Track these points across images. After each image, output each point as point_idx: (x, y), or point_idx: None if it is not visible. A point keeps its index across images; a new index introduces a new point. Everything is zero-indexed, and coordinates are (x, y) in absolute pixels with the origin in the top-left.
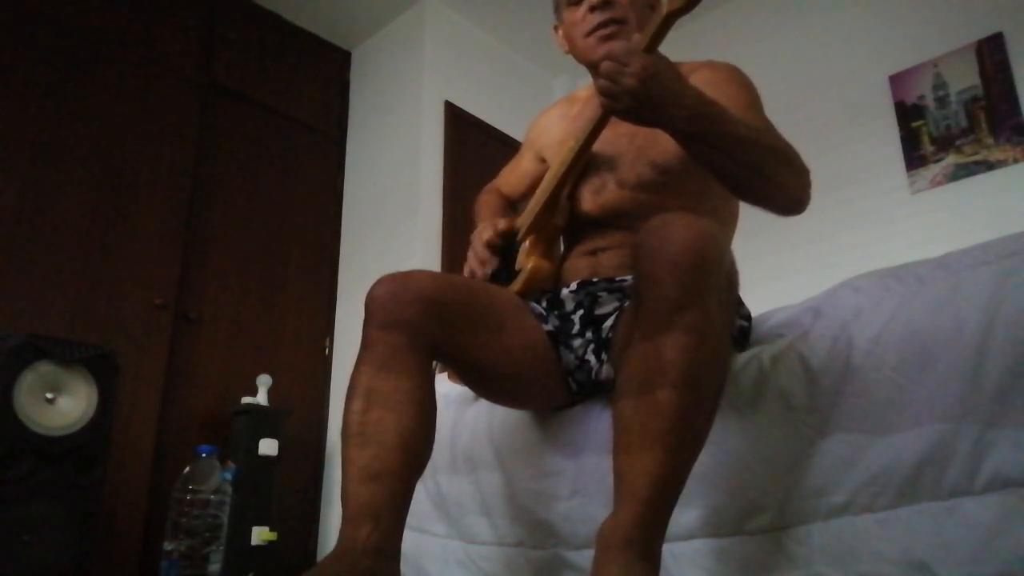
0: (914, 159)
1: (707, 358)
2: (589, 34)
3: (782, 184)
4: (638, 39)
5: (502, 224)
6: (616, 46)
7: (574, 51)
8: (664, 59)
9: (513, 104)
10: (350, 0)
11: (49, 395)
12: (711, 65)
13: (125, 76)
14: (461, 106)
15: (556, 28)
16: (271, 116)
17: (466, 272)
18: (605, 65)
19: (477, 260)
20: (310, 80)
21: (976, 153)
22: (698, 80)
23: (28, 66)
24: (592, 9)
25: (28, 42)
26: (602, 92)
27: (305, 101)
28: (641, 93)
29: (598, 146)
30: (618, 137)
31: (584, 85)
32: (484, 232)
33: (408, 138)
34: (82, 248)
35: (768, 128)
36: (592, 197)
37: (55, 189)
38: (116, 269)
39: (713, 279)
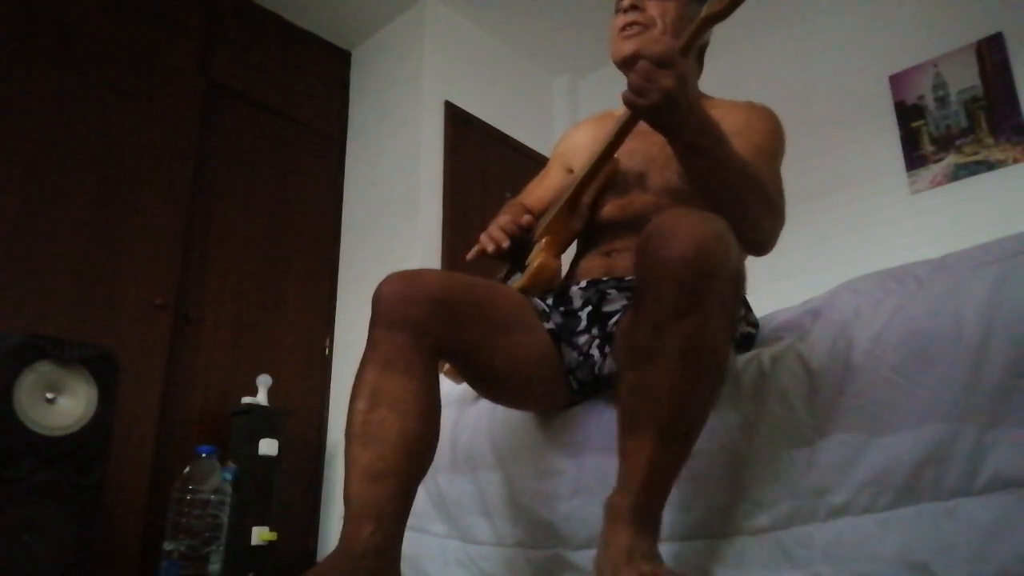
0: (914, 159)
1: (704, 365)
2: (618, 34)
3: (756, 222)
4: (674, 41)
5: (525, 218)
6: (656, 46)
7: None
8: (690, 65)
9: (513, 104)
10: (350, 0)
11: (49, 395)
12: (751, 105)
13: (125, 76)
14: (461, 106)
15: None
16: (271, 116)
17: (473, 251)
18: (641, 64)
19: (489, 237)
20: (310, 80)
21: (976, 153)
22: (735, 116)
23: (28, 66)
24: (623, 11)
25: (29, 42)
26: (632, 87)
27: (305, 101)
28: (672, 93)
29: (630, 153)
30: (650, 146)
31: (585, 84)
32: (503, 217)
33: (408, 138)
34: (82, 248)
35: (769, 173)
36: (617, 199)
37: (55, 189)
38: (116, 269)
39: (716, 284)
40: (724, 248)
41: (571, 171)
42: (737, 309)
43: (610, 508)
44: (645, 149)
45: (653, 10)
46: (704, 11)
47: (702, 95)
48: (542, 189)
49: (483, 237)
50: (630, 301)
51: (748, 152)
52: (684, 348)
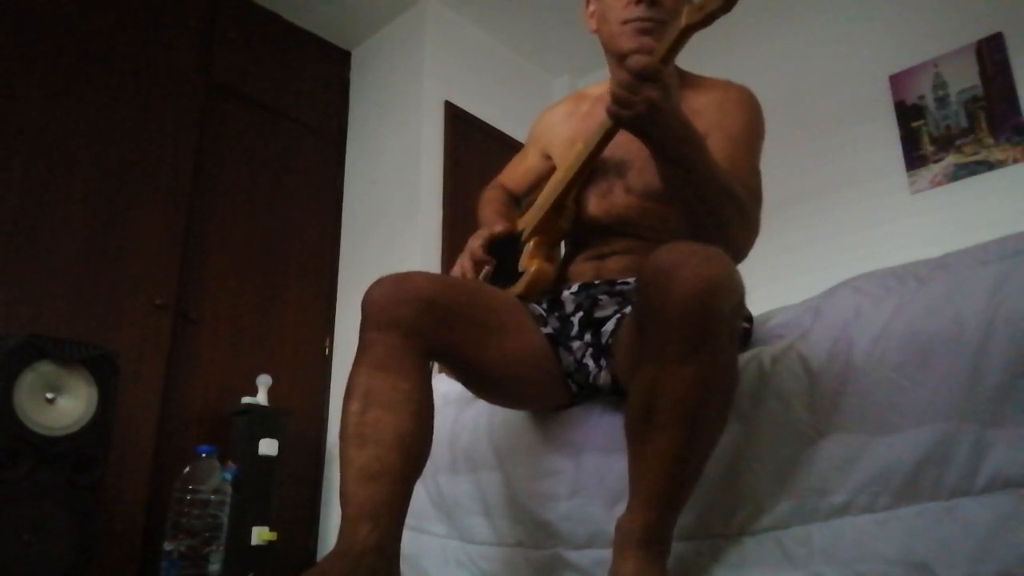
0: (914, 159)
1: (711, 400)
2: (626, 22)
3: (730, 235)
4: (656, 48)
5: (497, 228)
6: (638, 60)
7: (602, 32)
8: (672, 74)
9: (513, 104)
10: (350, 0)
11: (49, 395)
12: (727, 85)
13: (125, 76)
14: (461, 106)
15: (587, 3)
16: (271, 116)
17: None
18: (623, 76)
19: (460, 269)
20: (310, 80)
21: (976, 153)
22: (711, 98)
23: (29, 66)
24: (638, 2)
25: (29, 42)
26: (616, 99)
27: (305, 101)
28: (657, 105)
29: (607, 149)
30: (629, 142)
31: (585, 84)
32: (475, 240)
33: (408, 138)
34: (82, 248)
35: (746, 168)
36: (598, 201)
37: (56, 189)
38: (116, 269)
39: (723, 323)
40: (731, 286)
41: (548, 156)
42: (740, 336)
43: (620, 530)
44: (625, 144)
45: (667, 2)
46: (684, 21)
47: (681, 72)
48: (521, 173)
49: (456, 266)
50: (623, 307)
51: (724, 144)
52: (692, 386)
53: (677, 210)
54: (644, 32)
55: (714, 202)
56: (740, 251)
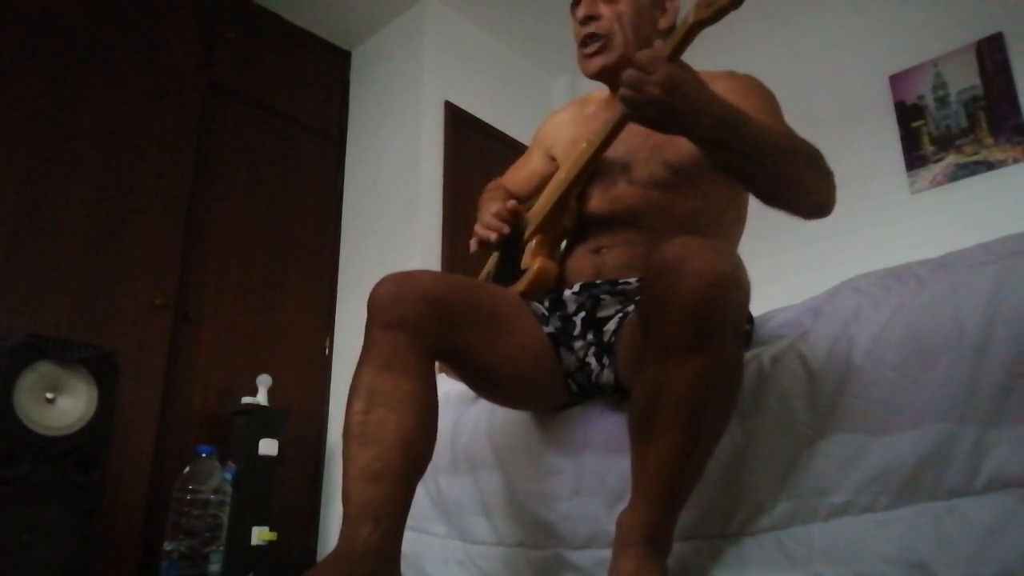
0: (914, 159)
1: (715, 396)
2: (580, 47)
3: (807, 187)
4: (661, 46)
5: (510, 203)
6: (641, 54)
7: None
8: (686, 67)
9: (513, 104)
10: (350, 0)
11: (49, 395)
12: (731, 75)
13: (125, 76)
14: (461, 106)
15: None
16: (271, 116)
17: (473, 242)
18: (628, 74)
19: (486, 227)
20: (310, 80)
21: (976, 153)
22: (718, 89)
23: (29, 66)
24: (579, 22)
25: (29, 42)
26: (625, 101)
27: (305, 101)
28: (665, 103)
29: (610, 149)
30: (632, 136)
31: (584, 84)
32: (493, 204)
33: (408, 138)
34: (82, 248)
35: (791, 133)
36: (602, 194)
37: (56, 189)
38: (116, 269)
39: (728, 321)
40: (735, 284)
41: (553, 158)
42: (745, 335)
43: (621, 528)
44: (628, 138)
45: (606, 11)
46: (692, 17)
47: None
48: (524, 175)
49: (480, 229)
50: (625, 306)
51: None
52: (697, 382)
53: (682, 200)
54: (591, 55)
55: (780, 163)
56: (825, 196)
